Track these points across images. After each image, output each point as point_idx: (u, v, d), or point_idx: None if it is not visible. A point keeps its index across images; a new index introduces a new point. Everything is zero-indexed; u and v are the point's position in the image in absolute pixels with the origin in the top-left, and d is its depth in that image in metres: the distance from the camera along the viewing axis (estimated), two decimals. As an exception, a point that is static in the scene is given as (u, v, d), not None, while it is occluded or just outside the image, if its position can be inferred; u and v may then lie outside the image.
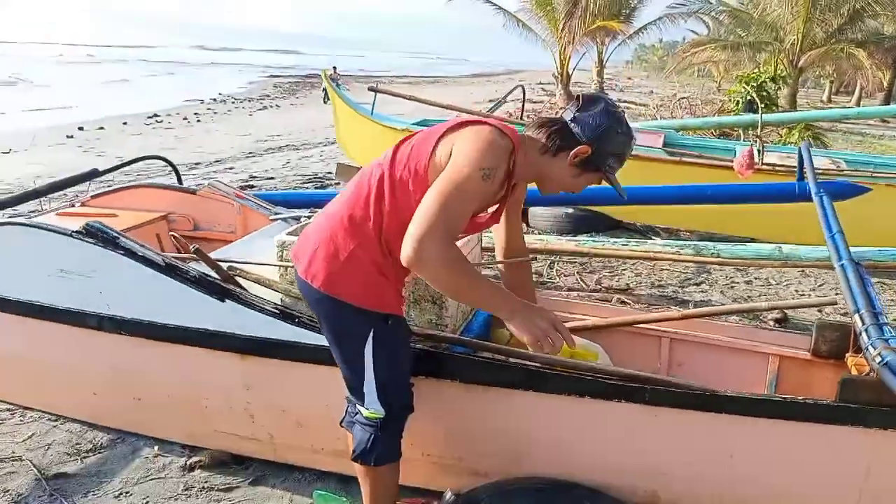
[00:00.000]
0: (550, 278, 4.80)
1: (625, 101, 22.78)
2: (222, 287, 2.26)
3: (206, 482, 2.43)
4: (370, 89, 6.21)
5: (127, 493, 2.38)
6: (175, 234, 2.37)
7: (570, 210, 5.92)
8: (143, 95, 20.81)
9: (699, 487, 2.07)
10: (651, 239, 5.60)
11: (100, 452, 2.58)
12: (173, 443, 2.60)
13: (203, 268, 2.35)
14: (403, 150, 1.89)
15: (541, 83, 29.98)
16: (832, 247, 2.41)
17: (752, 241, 4.85)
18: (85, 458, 2.55)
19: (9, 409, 2.81)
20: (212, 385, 2.41)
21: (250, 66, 39.17)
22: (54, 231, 2.35)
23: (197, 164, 9.70)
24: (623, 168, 1.95)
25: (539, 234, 5.73)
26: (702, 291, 4.59)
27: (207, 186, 3.14)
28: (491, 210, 2.04)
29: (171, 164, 4.34)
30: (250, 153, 10.76)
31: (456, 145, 1.78)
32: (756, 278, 4.93)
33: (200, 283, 2.25)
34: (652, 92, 28.14)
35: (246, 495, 2.39)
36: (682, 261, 4.20)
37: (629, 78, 46.08)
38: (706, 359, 2.56)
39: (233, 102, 20.28)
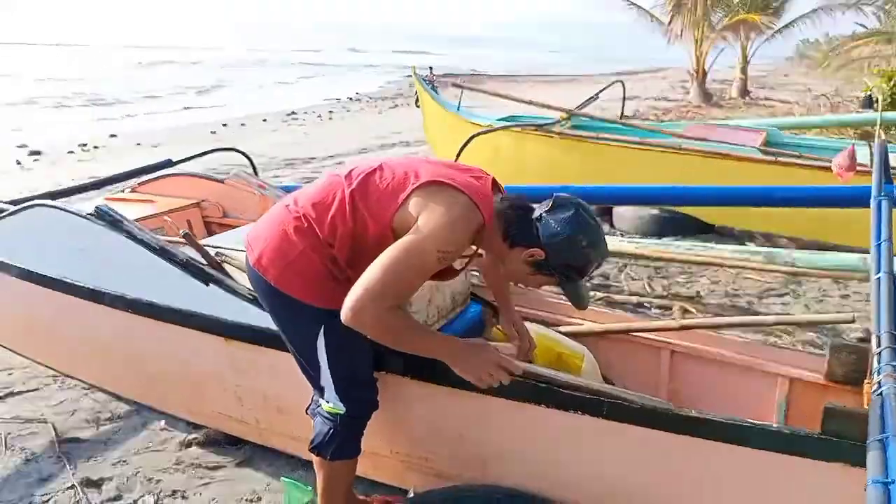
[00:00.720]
0: (618, 282, 4.54)
1: (772, 100, 21.14)
2: (206, 272, 2.33)
3: (196, 459, 2.54)
4: (454, 85, 6.22)
5: (124, 461, 2.53)
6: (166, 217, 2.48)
7: (656, 211, 5.57)
8: (290, 94, 21.96)
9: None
10: (745, 244, 5.16)
11: (115, 422, 2.77)
12: (180, 419, 2.73)
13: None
14: (373, 185, 1.82)
15: (682, 81, 28.54)
16: (874, 256, 2.13)
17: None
18: (101, 426, 2.75)
19: (53, 376, 3.09)
20: (204, 366, 2.49)
21: (397, 66, 40.38)
22: (71, 213, 2.55)
23: (312, 158, 10.17)
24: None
25: (622, 235, 5.45)
26: (783, 304, 4.15)
27: (233, 176, 3.28)
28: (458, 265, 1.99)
29: (246, 155, 4.56)
30: (364, 149, 11.11)
31: (424, 213, 1.71)
32: (856, 292, 4.37)
33: (187, 266, 2.34)
34: (809, 90, 25.85)
35: (229, 475, 2.47)
36: (751, 268, 3.83)
37: (786, 75, 42.73)
38: (709, 376, 2.30)
39: (367, 101, 20.95)
